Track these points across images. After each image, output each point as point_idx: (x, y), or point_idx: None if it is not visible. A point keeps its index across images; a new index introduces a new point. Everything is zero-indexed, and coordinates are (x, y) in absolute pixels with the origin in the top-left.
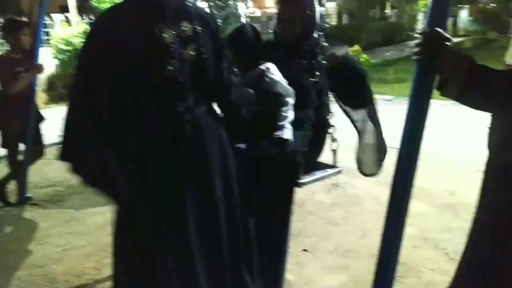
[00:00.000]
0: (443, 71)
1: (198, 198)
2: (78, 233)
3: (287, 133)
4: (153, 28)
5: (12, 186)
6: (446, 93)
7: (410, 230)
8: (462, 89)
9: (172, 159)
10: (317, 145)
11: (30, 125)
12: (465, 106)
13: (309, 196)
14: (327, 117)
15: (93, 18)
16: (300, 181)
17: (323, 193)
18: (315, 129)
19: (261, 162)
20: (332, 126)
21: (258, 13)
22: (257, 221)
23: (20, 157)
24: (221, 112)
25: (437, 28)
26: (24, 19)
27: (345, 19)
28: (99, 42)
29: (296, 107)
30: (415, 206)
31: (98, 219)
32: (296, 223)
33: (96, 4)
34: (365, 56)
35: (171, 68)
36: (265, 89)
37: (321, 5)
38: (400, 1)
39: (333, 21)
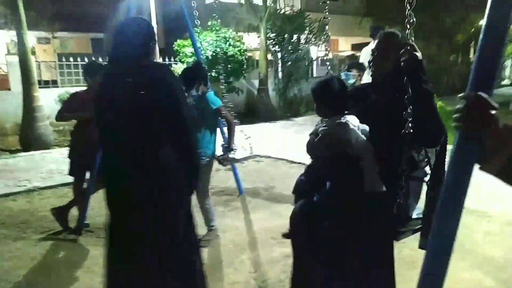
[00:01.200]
0: (486, 144)
1: None
2: None
3: (374, 185)
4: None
5: (74, 212)
6: (486, 169)
7: None
8: (505, 166)
9: None
10: (415, 196)
11: (97, 155)
12: (507, 184)
13: None
14: (422, 165)
15: (177, 61)
16: (398, 235)
17: None
18: (411, 180)
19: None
20: (428, 174)
21: (330, 55)
22: (361, 275)
23: (85, 185)
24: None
25: (481, 93)
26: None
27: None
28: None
29: (385, 156)
30: (475, 278)
31: None
32: None
33: (177, 48)
34: (440, 103)
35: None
36: (339, 139)
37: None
38: None
39: None
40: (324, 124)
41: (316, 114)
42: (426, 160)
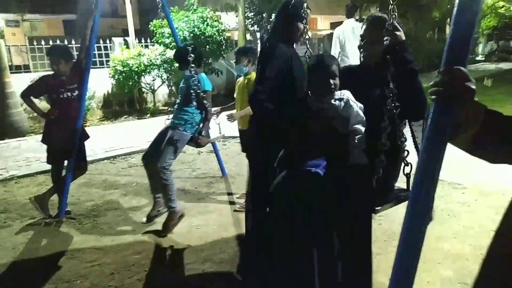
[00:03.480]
0: (459, 118)
1: None
2: (107, 250)
3: (360, 159)
4: None
5: (54, 199)
6: (456, 143)
7: (446, 273)
8: (475, 141)
9: None
10: (392, 171)
11: (74, 143)
12: (476, 157)
13: None
14: (401, 142)
15: (153, 42)
16: (376, 207)
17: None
18: (389, 155)
19: (337, 188)
20: (406, 150)
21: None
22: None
23: (64, 173)
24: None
25: (460, 67)
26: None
27: None
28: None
29: (371, 133)
30: (454, 247)
31: (128, 237)
32: None
33: (153, 29)
34: None
35: None
36: (339, 115)
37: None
38: None
39: None
40: (322, 100)
41: (309, 90)
42: (404, 136)
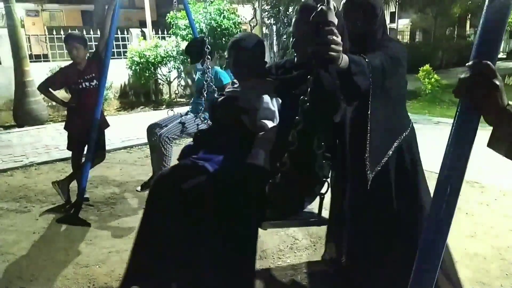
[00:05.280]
0: (491, 118)
1: None
2: (124, 236)
3: (259, 159)
4: None
5: (73, 186)
6: (493, 147)
7: (465, 272)
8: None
9: None
10: (303, 186)
11: (94, 130)
12: None
13: None
14: (323, 156)
15: (170, 34)
16: (264, 222)
17: None
18: (304, 166)
19: (222, 187)
20: (327, 168)
21: None
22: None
23: (83, 160)
24: None
25: (488, 62)
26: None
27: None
28: None
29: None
30: (473, 246)
31: None
32: None
33: (170, 20)
34: (436, 76)
35: None
36: (248, 106)
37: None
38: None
39: (406, 38)
40: (235, 86)
41: (232, 72)
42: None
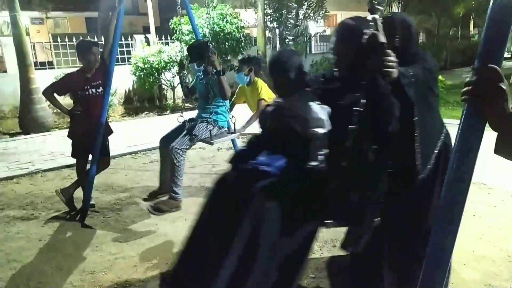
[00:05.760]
0: (496, 123)
1: None
2: (130, 242)
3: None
4: None
5: (78, 193)
6: (501, 153)
7: (474, 275)
8: None
9: None
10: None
11: (98, 138)
12: None
13: None
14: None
15: (173, 39)
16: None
17: None
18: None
19: (283, 190)
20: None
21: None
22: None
23: (88, 167)
24: None
25: (494, 66)
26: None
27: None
28: None
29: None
30: (480, 248)
31: (150, 230)
32: None
33: (174, 26)
34: (440, 77)
35: None
36: (299, 115)
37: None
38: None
39: None
40: (283, 99)
41: (276, 91)
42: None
